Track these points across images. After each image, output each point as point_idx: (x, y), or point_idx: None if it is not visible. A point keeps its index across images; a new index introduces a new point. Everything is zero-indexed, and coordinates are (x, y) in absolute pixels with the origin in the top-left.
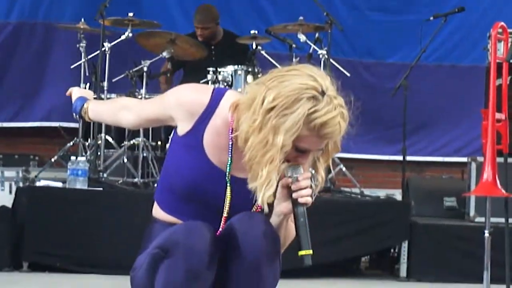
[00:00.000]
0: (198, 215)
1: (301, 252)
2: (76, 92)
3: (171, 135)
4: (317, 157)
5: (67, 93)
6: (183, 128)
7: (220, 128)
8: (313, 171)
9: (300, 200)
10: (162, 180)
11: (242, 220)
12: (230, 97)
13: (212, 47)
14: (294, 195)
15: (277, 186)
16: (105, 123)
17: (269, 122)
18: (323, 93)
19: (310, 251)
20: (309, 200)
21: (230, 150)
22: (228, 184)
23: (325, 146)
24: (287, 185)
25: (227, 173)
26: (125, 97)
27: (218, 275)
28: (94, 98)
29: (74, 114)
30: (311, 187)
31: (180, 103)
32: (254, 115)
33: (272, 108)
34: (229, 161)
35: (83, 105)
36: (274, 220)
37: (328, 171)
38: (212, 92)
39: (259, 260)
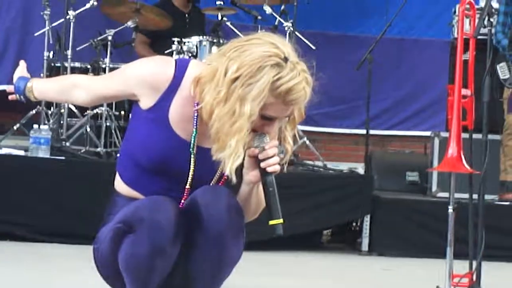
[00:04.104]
0: (162, 187)
1: (272, 222)
2: (17, 72)
3: (132, 107)
4: (284, 126)
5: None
6: (146, 103)
7: (186, 100)
8: (281, 141)
9: (268, 169)
10: (125, 153)
11: (206, 193)
12: (194, 67)
13: (186, 15)
14: (262, 164)
15: (244, 155)
16: (53, 101)
17: (235, 92)
18: (286, 59)
19: (281, 220)
20: (277, 168)
21: (195, 122)
22: (192, 156)
23: (291, 114)
24: (254, 155)
25: (191, 144)
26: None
27: (182, 248)
28: (58, 67)
29: (17, 96)
30: (278, 155)
31: (143, 79)
32: (218, 87)
33: (236, 78)
34: (194, 133)
35: (26, 84)
36: (244, 189)
37: (293, 141)
38: (176, 64)
39: (223, 233)
